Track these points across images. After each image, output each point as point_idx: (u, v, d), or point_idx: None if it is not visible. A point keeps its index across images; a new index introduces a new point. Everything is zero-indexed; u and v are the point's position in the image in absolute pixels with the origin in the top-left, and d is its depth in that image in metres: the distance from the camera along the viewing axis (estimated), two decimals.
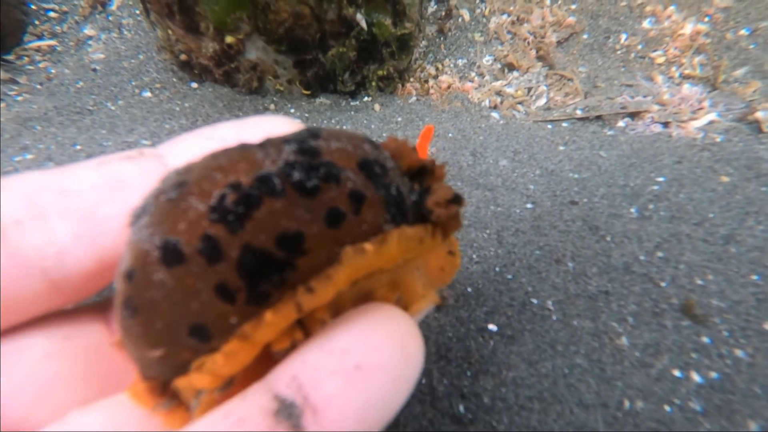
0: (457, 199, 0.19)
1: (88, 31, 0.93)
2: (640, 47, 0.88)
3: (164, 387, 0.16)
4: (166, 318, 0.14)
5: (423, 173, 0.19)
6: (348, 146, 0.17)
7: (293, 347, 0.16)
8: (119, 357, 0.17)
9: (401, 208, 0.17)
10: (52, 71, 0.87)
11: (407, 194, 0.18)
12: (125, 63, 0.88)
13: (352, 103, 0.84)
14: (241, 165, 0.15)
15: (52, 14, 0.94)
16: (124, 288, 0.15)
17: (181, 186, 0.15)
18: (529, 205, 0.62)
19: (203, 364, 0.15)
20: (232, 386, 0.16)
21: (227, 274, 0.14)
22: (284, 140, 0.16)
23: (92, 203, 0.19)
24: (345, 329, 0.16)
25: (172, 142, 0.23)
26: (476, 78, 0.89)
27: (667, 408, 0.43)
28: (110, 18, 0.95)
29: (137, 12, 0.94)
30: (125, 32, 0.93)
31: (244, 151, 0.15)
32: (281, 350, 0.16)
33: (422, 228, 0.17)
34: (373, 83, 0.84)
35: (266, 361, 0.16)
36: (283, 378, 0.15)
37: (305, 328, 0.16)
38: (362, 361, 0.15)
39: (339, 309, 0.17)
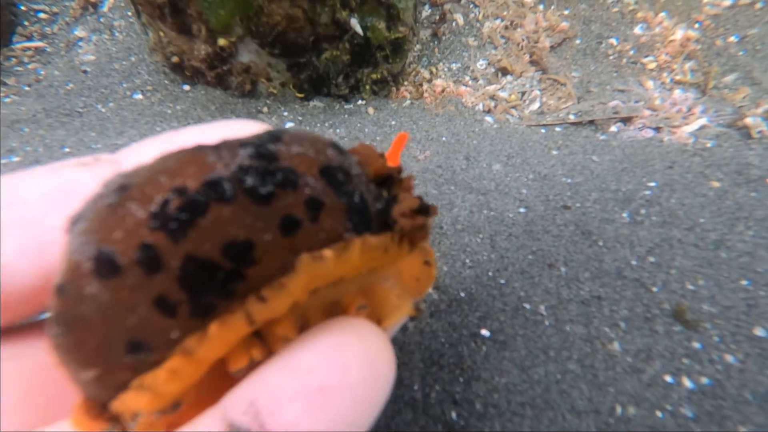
0: (423, 210, 0.18)
1: (79, 32, 0.92)
2: (631, 53, 0.89)
3: (103, 410, 0.15)
4: (100, 335, 0.13)
5: (391, 181, 0.19)
6: (310, 151, 0.16)
7: (252, 367, 0.15)
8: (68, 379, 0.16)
9: (364, 217, 0.17)
10: (42, 73, 0.86)
11: (372, 202, 0.17)
12: (116, 65, 0.87)
13: (345, 107, 0.84)
14: (190, 168, 0.14)
15: (42, 15, 0.93)
16: (56, 303, 0.14)
17: (122, 190, 0.14)
18: (522, 210, 0.62)
19: (143, 383, 0.14)
20: (177, 410, 0.15)
21: (167, 285, 0.13)
22: (241, 143, 0.15)
23: (39, 213, 0.18)
24: (309, 346, 0.15)
25: (132, 148, 0.21)
26: (470, 82, 0.90)
27: (659, 414, 0.43)
28: (101, 20, 0.94)
29: (129, 14, 0.93)
30: (116, 34, 0.92)
31: (196, 153, 0.15)
32: (239, 370, 0.15)
33: (387, 237, 0.16)
34: (367, 87, 0.84)
35: (226, 383, 0.15)
36: (238, 403, 0.14)
37: (267, 345, 0.15)
38: (327, 381, 0.14)
39: (306, 323, 0.17)
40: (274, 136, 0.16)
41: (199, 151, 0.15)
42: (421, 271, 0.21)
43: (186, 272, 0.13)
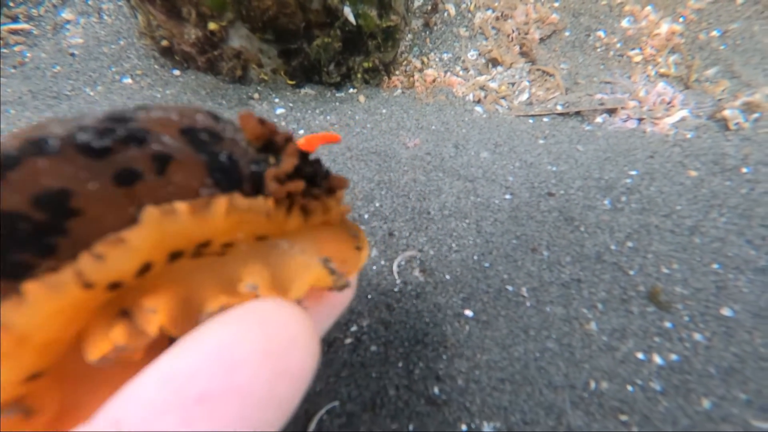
0: (300, 173, 0.17)
1: (66, 15, 0.91)
2: (618, 45, 0.91)
3: None
4: None
5: (275, 147, 0.18)
6: (173, 115, 0.16)
7: (127, 358, 0.13)
8: None
9: (230, 175, 0.16)
10: (28, 55, 0.85)
11: (247, 164, 0.17)
12: (105, 48, 0.86)
13: (337, 95, 0.84)
14: (28, 130, 0.14)
15: None
16: None
17: None
18: (507, 196, 0.64)
19: None
20: (33, 414, 0.13)
21: None
22: (107, 112, 0.15)
23: None
24: (191, 345, 0.12)
25: None
26: (461, 72, 0.91)
27: (629, 388, 0.45)
28: (89, 2, 0.92)
29: None
30: (105, 17, 0.91)
31: (50, 119, 0.14)
32: (103, 359, 0.13)
33: (262, 201, 0.16)
34: (359, 75, 0.84)
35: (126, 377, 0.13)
36: (105, 420, 0.12)
37: (135, 324, 0.14)
38: (209, 388, 0.11)
39: (199, 303, 0.15)
40: (143, 107, 0.16)
41: (55, 118, 0.14)
42: (350, 254, 0.20)
43: None
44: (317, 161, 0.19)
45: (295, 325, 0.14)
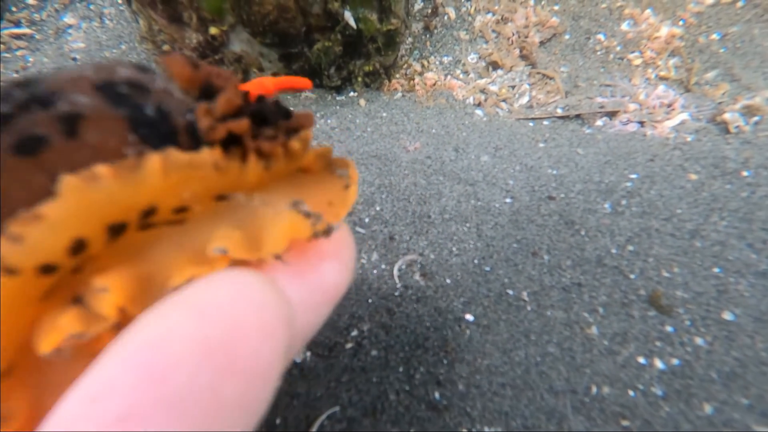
0: (245, 110, 0.15)
1: (68, 19, 0.91)
2: (618, 48, 0.91)
3: None
4: None
5: (212, 91, 0.16)
6: (87, 72, 0.14)
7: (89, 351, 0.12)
8: None
9: (160, 129, 0.14)
10: (30, 60, 0.85)
11: (181, 114, 0.14)
12: (107, 53, 0.86)
13: (337, 98, 0.84)
14: None
15: (30, 1, 0.92)
16: None
17: None
18: (508, 200, 0.64)
19: None
20: None
21: None
22: (13, 78, 0.14)
23: None
24: (116, 347, 0.10)
25: None
26: (461, 75, 0.91)
27: (631, 393, 0.45)
28: (91, 7, 0.93)
29: (119, 1, 0.92)
30: (107, 21, 0.91)
31: None
32: (55, 351, 0.12)
33: (210, 152, 0.13)
34: (359, 78, 0.85)
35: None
36: None
37: (89, 310, 0.12)
38: (133, 402, 0.09)
39: (161, 282, 0.13)
40: (61, 68, 0.14)
41: None
42: (335, 195, 0.18)
43: None
44: (273, 101, 0.17)
45: (248, 306, 0.11)
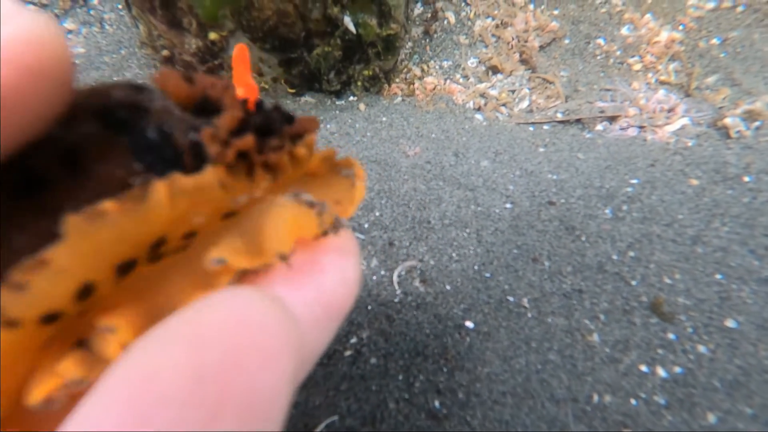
0: (246, 126, 0.14)
1: (69, 24, 0.91)
2: (618, 53, 0.91)
3: None
4: None
5: (211, 104, 0.15)
6: (83, 99, 0.13)
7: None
8: None
9: (165, 153, 0.13)
10: None
11: (183, 133, 0.14)
12: (106, 58, 0.86)
13: (337, 103, 0.84)
14: None
15: (29, 7, 0.92)
16: None
17: None
18: (508, 205, 0.64)
19: None
20: None
21: None
22: None
23: None
24: (96, 396, 0.09)
25: None
26: (461, 80, 0.91)
27: (633, 402, 0.44)
28: (91, 12, 0.93)
29: (119, 6, 0.93)
30: (106, 27, 0.92)
31: None
32: (46, 401, 0.11)
33: (214, 172, 0.13)
34: (359, 83, 0.85)
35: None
36: None
37: (93, 352, 0.11)
38: None
39: (170, 310, 0.12)
40: None
41: None
42: (343, 194, 0.17)
43: None
44: (274, 107, 0.16)
45: (246, 328, 0.10)
